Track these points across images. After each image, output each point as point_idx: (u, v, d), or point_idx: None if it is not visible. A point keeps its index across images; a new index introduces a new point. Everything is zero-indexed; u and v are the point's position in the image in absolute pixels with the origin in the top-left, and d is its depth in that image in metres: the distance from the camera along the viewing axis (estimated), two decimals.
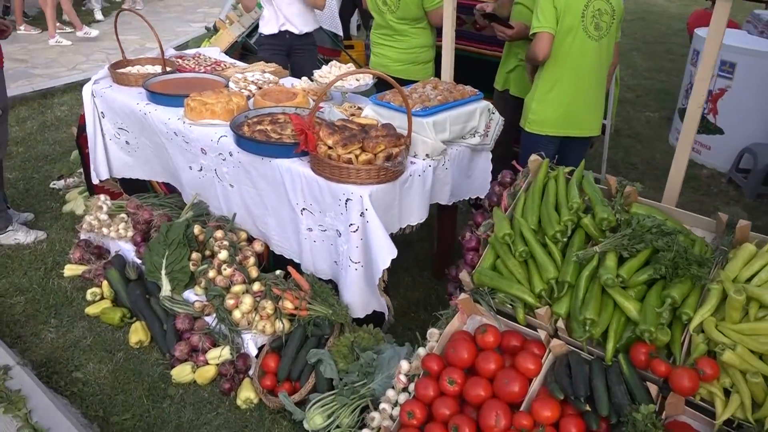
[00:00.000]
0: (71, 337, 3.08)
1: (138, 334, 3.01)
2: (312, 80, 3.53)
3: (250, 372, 2.77)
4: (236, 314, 2.81)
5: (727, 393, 1.93)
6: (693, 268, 2.06)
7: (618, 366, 2.06)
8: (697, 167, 5.29)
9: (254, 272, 2.96)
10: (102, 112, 3.59)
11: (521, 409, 2.06)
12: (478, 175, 3.19)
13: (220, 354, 2.77)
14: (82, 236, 3.68)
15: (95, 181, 3.75)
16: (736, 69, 5.00)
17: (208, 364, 2.80)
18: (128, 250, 3.40)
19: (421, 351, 2.40)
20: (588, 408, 1.99)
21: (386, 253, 2.54)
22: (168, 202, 3.56)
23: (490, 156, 3.21)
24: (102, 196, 3.69)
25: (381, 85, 3.51)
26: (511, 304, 2.31)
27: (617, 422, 1.93)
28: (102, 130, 3.63)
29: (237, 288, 2.86)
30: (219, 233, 3.04)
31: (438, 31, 3.80)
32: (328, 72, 3.35)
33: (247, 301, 2.79)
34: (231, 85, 3.47)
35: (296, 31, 4.26)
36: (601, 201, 2.35)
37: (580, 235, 2.34)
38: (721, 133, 5.24)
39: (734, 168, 5.04)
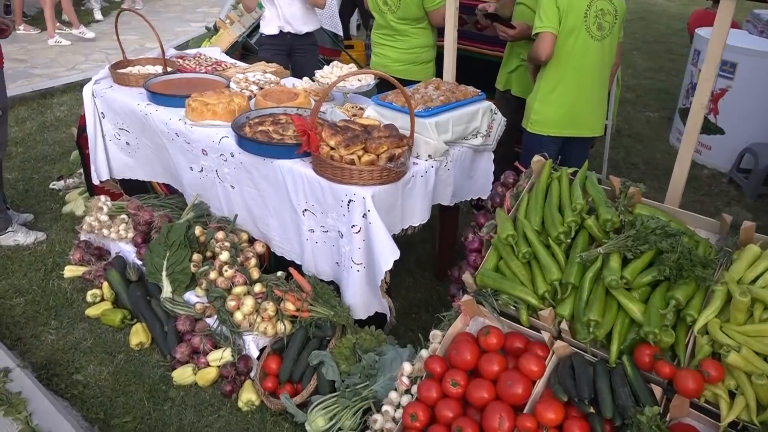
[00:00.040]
0: (71, 338, 3.07)
1: (139, 335, 2.99)
2: (313, 80, 3.52)
3: (252, 374, 2.76)
4: (237, 316, 2.80)
5: (732, 395, 1.92)
6: (697, 270, 2.05)
7: (622, 368, 2.05)
8: (698, 167, 5.29)
9: (255, 273, 2.95)
10: (102, 113, 3.58)
11: (525, 411, 2.05)
12: (480, 176, 3.18)
13: (221, 356, 2.76)
14: (82, 237, 3.67)
15: (95, 181, 3.74)
16: (737, 69, 5.00)
17: (209, 366, 2.79)
18: (129, 252, 3.39)
19: (424, 353, 2.38)
20: (592, 410, 1.98)
21: (389, 254, 2.53)
22: (168, 203, 3.55)
23: (492, 156, 3.20)
24: (102, 197, 3.68)
25: (382, 85, 3.50)
26: (514, 306, 2.30)
27: (621, 424, 1.92)
28: (102, 130, 3.61)
29: (238, 289, 2.85)
30: (220, 234, 3.03)
31: (439, 31, 3.79)
32: (330, 72, 3.34)
33: (249, 303, 2.78)
34: (232, 85, 3.46)
35: (297, 31, 4.25)
36: (604, 202, 2.34)
37: (584, 237, 2.33)
38: (721, 133, 5.24)
39: (735, 168, 5.03)
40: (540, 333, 2.25)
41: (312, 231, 2.75)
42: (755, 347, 1.89)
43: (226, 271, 2.88)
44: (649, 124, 6.43)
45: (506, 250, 2.40)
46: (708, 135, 5.29)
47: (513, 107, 3.64)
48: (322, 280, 2.84)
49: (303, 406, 2.57)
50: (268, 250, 3.10)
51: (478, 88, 3.08)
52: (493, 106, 3.06)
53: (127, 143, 3.56)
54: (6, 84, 3.67)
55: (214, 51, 4.42)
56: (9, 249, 3.75)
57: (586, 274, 2.19)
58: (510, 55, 3.71)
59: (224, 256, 2.92)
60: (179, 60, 3.97)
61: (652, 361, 2.00)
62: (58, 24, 8.55)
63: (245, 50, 6.38)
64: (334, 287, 2.83)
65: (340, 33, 6.94)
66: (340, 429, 2.38)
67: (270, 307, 2.76)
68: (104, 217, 3.54)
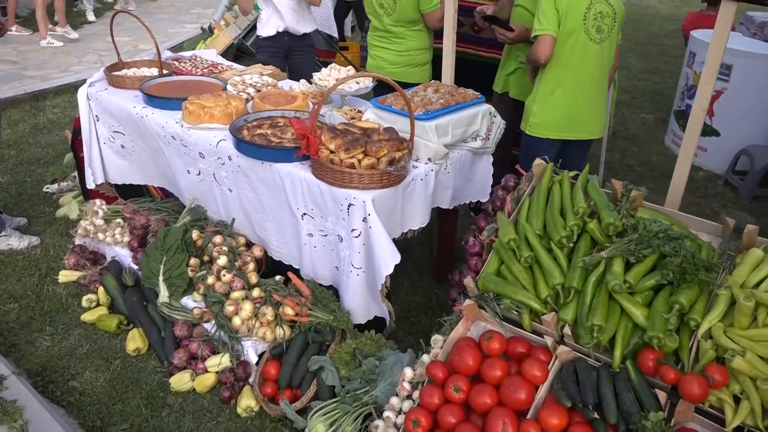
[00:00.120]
0: (67, 345, 3.03)
1: (135, 341, 2.96)
2: (311, 83, 3.50)
3: (251, 380, 2.73)
4: (236, 321, 2.77)
5: (736, 400, 1.91)
6: (701, 274, 2.04)
7: (626, 373, 2.04)
8: (694, 169, 5.27)
9: (254, 278, 2.92)
10: (97, 116, 3.54)
11: (528, 416, 2.04)
12: (479, 179, 3.17)
13: (219, 361, 2.73)
14: (77, 241, 3.62)
15: (90, 185, 3.70)
16: (733, 71, 5.01)
17: (207, 371, 2.76)
18: (124, 256, 3.35)
19: (425, 358, 2.37)
20: (596, 415, 1.97)
21: (389, 258, 2.51)
22: (164, 207, 3.52)
23: (491, 159, 3.19)
24: (98, 201, 3.64)
25: (378, 87, 3.48)
26: (516, 310, 2.28)
27: (626, 430, 1.91)
28: (97, 133, 3.57)
29: (236, 294, 2.82)
30: (218, 238, 3.00)
31: (436, 34, 3.78)
32: (328, 75, 3.31)
33: (247, 308, 2.75)
34: (229, 87, 3.43)
35: (295, 32, 4.23)
36: (606, 206, 2.33)
37: (586, 240, 2.32)
38: (717, 135, 5.25)
39: (731, 170, 5.05)
40: (542, 338, 2.23)
41: (311, 235, 2.73)
42: (760, 351, 1.89)
43: (224, 275, 2.85)
44: (644, 125, 6.45)
45: (508, 254, 2.39)
46: (703, 137, 5.30)
47: (511, 110, 3.63)
48: (321, 285, 2.81)
49: (303, 412, 2.54)
50: (266, 255, 3.07)
51: (476, 91, 3.07)
52: (492, 109, 3.05)
53: (122, 146, 3.52)
54: None
55: (210, 53, 4.39)
56: (2, 253, 3.70)
57: (589, 278, 2.18)
58: (508, 57, 3.70)
59: (222, 260, 2.89)
60: (175, 62, 3.94)
61: (656, 365, 1.99)
62: (50, 26, 8.48)
63: (239, 52, 6.36)
64: (333, 292, 2.81)
65: (335, 35, 6.93)
66: None
67: (269, 312, 2.74)
68: (99, 221, 3.50)
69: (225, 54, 5.60)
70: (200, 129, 2.99)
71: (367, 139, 2.55)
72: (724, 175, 5.12)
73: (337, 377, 2.54)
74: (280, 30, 4.19)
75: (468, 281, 2.42)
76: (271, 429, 2.59)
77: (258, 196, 2.88)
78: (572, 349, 2.17)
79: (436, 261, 3.60)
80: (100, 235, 3.46)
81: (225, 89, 3.42)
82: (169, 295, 2.96)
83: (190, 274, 2.96)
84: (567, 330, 2.17)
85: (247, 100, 3.27)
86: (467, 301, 2.37)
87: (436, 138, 2.71)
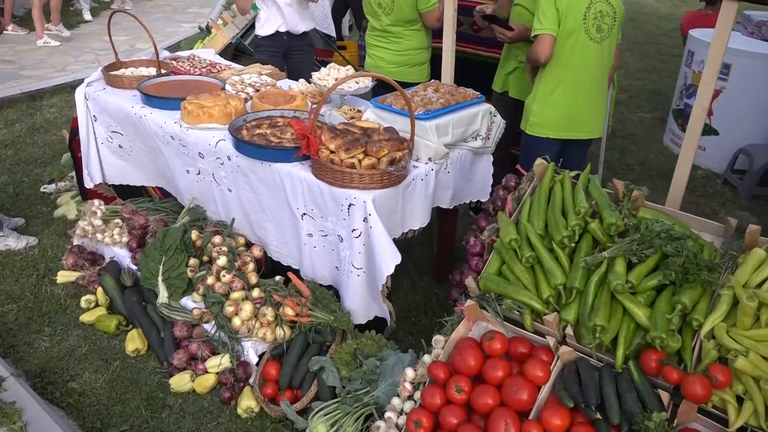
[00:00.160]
0: (66, 345, 3.02)
1: (135, 342, 2.94)
2: (310, 82, 3.49)
3: (251, 380, 2.72)
4: (236, 321, 2.76)
5: (739, 400, 1.91)
6: (703, 274, 2.04)
7: (628, 373, 2.04)
8: (693, 168, 5.26)
9: (253, 278, 2.91)
10: (94, 116, 3.53)
11: (530, 417, 2.03)
12: (480, 179, 3.16)
13: (219, 362, 2.72)
14: (76, 242, 3.61)
15: (88, 185, 3.68)
16: (731, 70, 5.01)
17: (207, 372, 2.75)
18: (123, 256, 3.33)
19: (427, 358, 2.36)
20: (599, 416, 1.96)
21: (390, 258, 2.50)
22: (163, 207, 3.50)
23: (491, 159, 3.18)
24: (96, 201, 3.63)
25: (377, 87, 3.47)
26: (518, 311, 2.28)
27: (629, 430, 1.90)
28: (95, 133, 3.56)
29: (236, 294, 2.81)
30: (217, 239, 2.99)
31: (435, 33, 3.77)
32: (327, 74, 3.30)
33: (247, 308, 2.74)
34: (228, 87, 3.42)
35: (295, 31, 4.21)
36: (608, 205, 2.33)
37: (588, 240, 2.32)
38: (716, 134, 5.25)
39: (729, 169, 5.05)
40: (544, 338, 2.23)
41: (310, 235, 2.72)
42: (763, 352, 1.89)
43: (224, 275, 2.84)
44: (642, 125, 6.45)
45: (509, 254, 2.38)
46: (702, 136, 5.29)
47: (510, 109, 3.63)
48: (321, 285, 2.80)
49: (303, 412, 2.53)
50: (266, 255, 3.06)
51: (475, 90, 3.06)
52: (492, 109, 3.04)
53: (120, 146, 3.51)
54: None
55: (208, 53, 4.38)
56: (0, 254, 3.68)
57: (591, 279, 2.17)
58: (507, 56, 3.70)
59: (222, 260, 2.88)
60: (173, 62, 3.92)
61: (659, 366, 1.99)
62: (46, 25, 8.45)
63: (238, 52, 6.34)
64: (333, 292, 2.80)
65: (333, 34, 6.92)
66: None
67: (269, 313, 2.72)
68: (98, 222, 3.49)
69: (223, 53, 5.58)
70: (199, 129, 2.98)
71: (368, 139, 2.54)
72: (723, 174, 5.12)
73: (338, 378, 2.53)
74: (280, 29, 4.17)
75: (469, 281, 2.41)
76: (272, 430, 2.58)
77: (257, 196, 2.86)
78: (574, 349, 2.17)
79: (436, 261, 3.59)
80: (99, 236, 3.44)
81: (224, 89, 3.40)
82: (168, 295, 2.94)
83: (190, 274, 2.94)
84: (569, 330, 2.16)
85: (246, 100, 3.26)
86: (469, 302, 2.36)
87: (436, 138, 2.70)
